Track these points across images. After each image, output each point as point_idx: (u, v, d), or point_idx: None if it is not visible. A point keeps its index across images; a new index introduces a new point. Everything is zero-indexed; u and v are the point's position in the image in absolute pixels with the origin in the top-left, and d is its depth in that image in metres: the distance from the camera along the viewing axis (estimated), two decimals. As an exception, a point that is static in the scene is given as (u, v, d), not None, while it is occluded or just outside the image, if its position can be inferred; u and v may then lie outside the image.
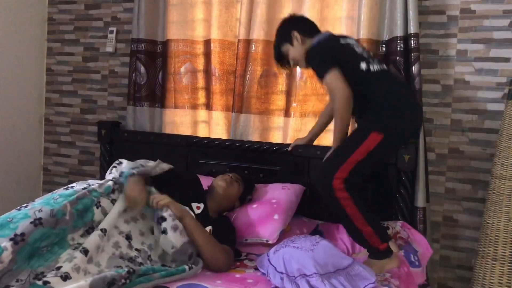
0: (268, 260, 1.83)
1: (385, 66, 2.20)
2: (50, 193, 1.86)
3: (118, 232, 1.80)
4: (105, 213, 1.79)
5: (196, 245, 1.88)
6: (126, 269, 1.64)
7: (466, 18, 2.54)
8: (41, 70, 3.42)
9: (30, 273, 1.50)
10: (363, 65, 2.09)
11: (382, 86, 2.11)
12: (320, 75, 2.08)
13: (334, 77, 2.02)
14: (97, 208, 1.78)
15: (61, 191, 1.84)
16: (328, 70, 2.02)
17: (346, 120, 2.07)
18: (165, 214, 1.83)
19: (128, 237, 1.80)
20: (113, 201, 1.85)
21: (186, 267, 1.80)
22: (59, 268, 1.54)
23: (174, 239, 1.81)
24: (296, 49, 2.21)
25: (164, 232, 1.81)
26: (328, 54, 2.10)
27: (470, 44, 2.54)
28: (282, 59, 2.30)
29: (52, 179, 3.44)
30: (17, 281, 1.47)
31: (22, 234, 1.54)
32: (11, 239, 1.51)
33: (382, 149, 2.02)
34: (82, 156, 3.36)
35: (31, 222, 1.58)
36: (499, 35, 2.49)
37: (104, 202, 1.82)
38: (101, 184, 1.88)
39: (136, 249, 1.79)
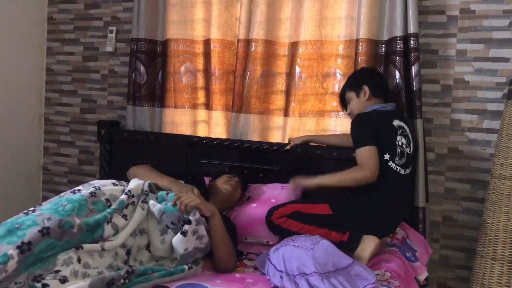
0: (268, 258, 1.83)
1: (408, 171, 2.15)
2: (57, 196, 1.84)
3: (122, 245, 1.77)
4: (115, 229, 1.76)
5: (215, 244, 1.87)
6: (125, 269, 1.63)
7: (466, 18, 2.54)
8: (41, 69, 3.42)
9: (28, 275, 1.50)
10: (387, 156, 2.07)
11: (384, 185, 2.05)
12: (355, 145, 2.08)
13: (368, 153, 2.02)
14: (108, 224, 1.75)
15: (68, 194, 1.82)
16: (364, 145, 2.04)
17: (344, 185, 2.05)
18: (192, 217, 1.79)
19: (128, 252, 1.78)
20: (124, 216, 1.81)
21: (186, 267, 1.79)
22: (57, 271, 1.53)
23: (190, 242, 1.79)
24: (359, 102, 2.25)
25: (184, 234, 1.77)
26: (369, 128, 2.09)
27: (470, 44, 2.54)
28: (344, 101, 2.34)
29: (52, 178, 3.44)
30: (15, 283, 1.46)
31: (29, 243, 1.51)
32: (18, 247, 1.49)
33: (325, 220, 2.04)
34: (82, 156, 3.36)
35: (39, 231, 1.55)
36: (498, 35, 2.49)
37: (116, 218, 1.79)
38: (112, 192, 1.86)
39: (129, 266, 1.75)
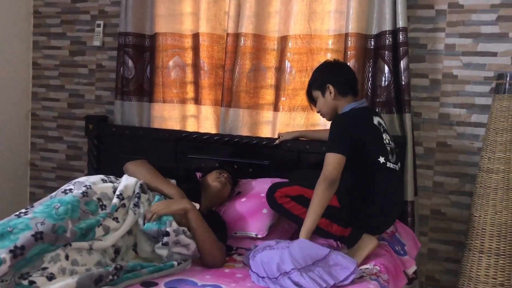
0: (250, 267, 1.82)
1: (399, 165, 2.13)
2: (49, 197, 1.82)
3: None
4: (106, 230, 1.75)
5: (197, 239, 1.87)
6: (113, 265, 1.62)
7: (454, 12, 2.54)
8: (27, 64, 3.37)
9: (15, 273, 1.48)
10: (382, 159, 2.03)
11: (385, 183, 2.04)
12: (327, 148, 2.00)
13: (335, 161, 1.93)
14: (99, 227, 1.73)
15: (59, 195, 1.80)
16: (336, 151, 1.94)
17: (323, 208, 1.91)
18: (169, 229, 1.79)
19: (117, 251, 1.77)
20: (115, 219, 1.80)
21: (175, 263, 1.79)
22: (44, 268, 1.52)
23: (173, 250, 1.79)
24: (326, 101, 2.16)
25: (166, 244, 1.78)
26: (347, 136, 1.99)
27: (458, 38, 2.55)
28: (311, 99, 2.25)
29: (40, 174, 3.40)
30: (2, 281, 1.44)
31: (22, 247, 1.48)
32: (11, 251, 1.46)
33: (329, 210, 1.95)
34: (70, 151, 3.32)
35: (32, 235, 1.52)
36: (486, 29, 2.50)
37: (108, 221, 1.77)
38: (102, 190, 1.85)
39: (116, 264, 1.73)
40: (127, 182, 1.95)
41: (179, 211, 1.89)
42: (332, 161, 1.94)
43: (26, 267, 1.50)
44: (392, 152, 2.09)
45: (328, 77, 2.16)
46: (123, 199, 1.87)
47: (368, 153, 2.03)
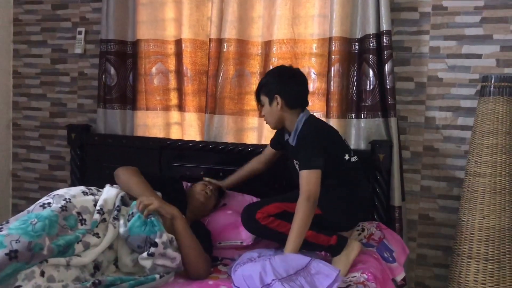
0: (232, 282, 1.77)
1: (357, 157, 2.14)
2: (26, 212, 1.75)
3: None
4: (86, 246, 1.69)
5: (182, 248, 1.83)
6: (91, 281, 1.57)
7: (438, 14, 2.53)
8: (8, 73, 3.30)
9: None
10: (347, 156, 2.06)
11: (356, 178, 2.09)
12: (303, 165, 1.93)
13: (316, 177, 1.91)
14: (78, 243, 1.67)
15: (37, 209, 1.73)
16: (315, 167, 1.91)
17: (307, 225, 1.88)
18: (158, 240, 1.74)
19: (97, 267, 1.72)
20: (96, 235, 1.74)
21: (157, 276, 1.74)
22: (18, 287, 1.46)
23: (157, 261, 1.74)
24: (272, 111, 2.07)
25: (151, 255, 1.72)
26: (321, 148, 1.97)
27: (443, 40, 2.53)
28: (259, 101, 2.16)
29: (22, 185, 3.33)
30: None
31: None
32: None
33: (313, 219, 1.91)
34: (53, 161, 3.26)
35: (6, 254, 1.47)
36: (470, 31, 2.48)
37: (87, 237, 1.72)
38: (82, 204, 1.79)
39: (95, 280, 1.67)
40: (107, 195, 1.89)
41: (167, 214, 1.85)
42: (314, 179, 1.91)
43: None
44: (349, 146, 2.15)
45: (278, 86, 2.05)
46: (103, 213, 1.81)
47: (337, 156, 2.04)
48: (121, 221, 1.83)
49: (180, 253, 1.82)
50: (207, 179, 2.37)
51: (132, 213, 1.83)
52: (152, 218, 1.80)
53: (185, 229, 1.88)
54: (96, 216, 1.79)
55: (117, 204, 1.87)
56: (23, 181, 3.33)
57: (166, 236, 1.76)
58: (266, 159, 2.37)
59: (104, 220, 1.81)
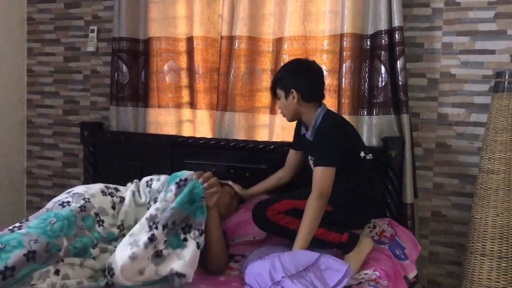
0: (244, 280, 1.78)
1: (372, 155, 2.13)
2: (45, 210, 1.76)
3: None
4: (103, 251, 1.70)
5: (209, 240, 1.82)
6: (105, 281, 1.58)
7: (451, 10, 2.50)
8: (22, 71, 3.35)
9: None
10: (362, 153, 2.07)
11: (369, 175, 2.08)
12: (319, 162, 1.94)
13: (330, 175, 1.91)
14: (94, 248, 1.68)
15: (57, 207, 1.75)
16: (330, 165, 1.92)
17: (317, 223, 1.88)
18: (193, 228, 1.73)
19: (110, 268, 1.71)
20: (110, 242, 1.75)
21: (170, 278, 1.72)
22: (33, 285, 1.48)
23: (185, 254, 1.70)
24: (288, 104, 2.09)
25: (186, 240, 1.71)
26: (338, 146, 1.97)
27: (456, 36, 2.50)
28: (275, 95, 2.17)
29: (36, 182, 3.38)
30: None
31: (13, 268, 1.45)
32: (1, 272, 1.43)
33: (323, 216, 1.91)
34: (66, 159, 3.29)
35: (24, 255, 1.49)
36: (484, 27, 2.45)
37: (103, 243, 1.73)
38: (101, 205, 1.80)
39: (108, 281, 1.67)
40: (129, 208, 1.87)
41: (212, 202, 1.83)
42: (328, 176, 1.91)
43: (14, 285, 1.46)
44: (364, 144, 2.16)
45: (294, 80, 2.06)
46: (123, 229, 1.82)
47: (353, 153, 2.05)
48: (161, 195, 1.82)
49: (208, 244, 1.81)
50: (230, 183, 2.33)
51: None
52: (202, 203, 1.78)
53: (217, 221, 1.88)
54: (115, 231, 1.79)
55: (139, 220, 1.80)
56: (38, 178, 3.37)
57: (203, 239, 1.73)
58: (290, 164, 2.35)
59: (123, 235, 1.78)
